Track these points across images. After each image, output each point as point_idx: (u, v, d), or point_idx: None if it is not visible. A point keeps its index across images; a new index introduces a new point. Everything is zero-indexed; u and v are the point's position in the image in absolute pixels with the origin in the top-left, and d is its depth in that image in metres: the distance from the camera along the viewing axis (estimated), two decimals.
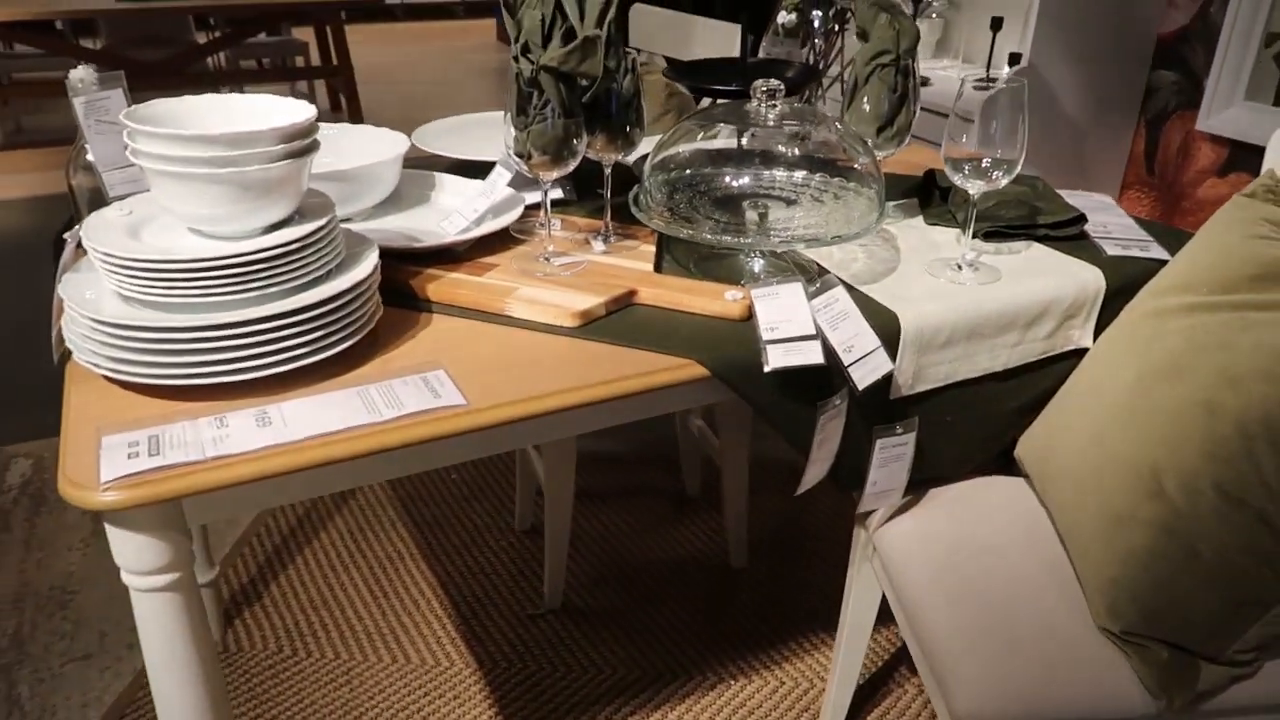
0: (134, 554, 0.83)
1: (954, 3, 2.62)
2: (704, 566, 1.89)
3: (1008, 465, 1.30)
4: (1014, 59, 2.23)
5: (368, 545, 1.93)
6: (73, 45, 5.23)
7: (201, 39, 5.19)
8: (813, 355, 1.02)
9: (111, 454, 0.81)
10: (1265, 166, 1.26)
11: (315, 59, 5.56)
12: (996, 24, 2.31)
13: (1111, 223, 1.38)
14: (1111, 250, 1.28)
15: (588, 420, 1.00)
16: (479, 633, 1.71)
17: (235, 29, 5.15)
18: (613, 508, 2.05)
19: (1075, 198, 1.46)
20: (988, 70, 2.35)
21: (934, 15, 2.60)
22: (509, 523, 2.00)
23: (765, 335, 1.03)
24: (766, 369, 1.01)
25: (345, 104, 5.27)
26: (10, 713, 1.55)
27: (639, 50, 2.58)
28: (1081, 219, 1.33)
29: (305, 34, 5.72)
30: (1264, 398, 0.96)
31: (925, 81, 2.41)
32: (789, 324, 1.04)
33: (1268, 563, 0.96)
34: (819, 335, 1.03)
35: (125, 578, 0.85)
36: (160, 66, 4.71)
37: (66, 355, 0.97)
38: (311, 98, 5.92)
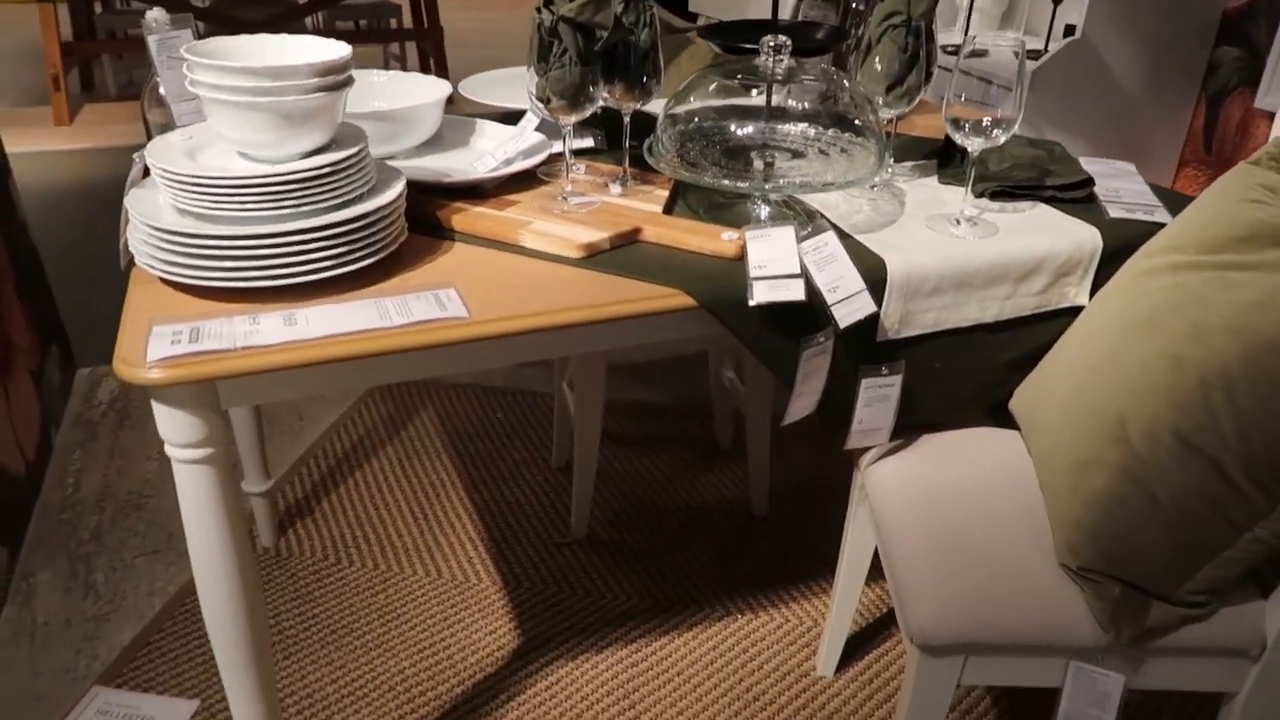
0: (175, 428, 0.96)
1: None
2: (726, 512, 1.97)
3: (1007, 422, 1.35)
4: (1068, 31, 2.23)
5: (413, 472, 2.07)
6: (183, 2, 5.51)
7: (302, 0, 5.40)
8: (795, 292, 1.09)
9: (158, 340, 0.94)
10: (1273, 134, 1.28)
11: (409, 22, 5.73)
12: None
13: (1124, 188, 1.41)
14: (1114, 213, 1.31)
15: (580, 341, 1.10)
16: (507, 555, 1.84)
17: None
18: (646, 453, 2.15)
19: (1094, 165, 1.49)
20: (1046, 43, 2.34)
21: None
22: (546, 460, 2.12)
23: (753, 272, 1.10)
24: (751, 303, 1.09)
25: (434, 66, 5.44)
26: (87, 595, 1.74)
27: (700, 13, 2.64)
28: (1089, 182, 1.36)
29: None
30: (1225, 351, 1.00)
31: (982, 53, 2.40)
32: (777, 263, 1.11)
33: (1218, 508, 1.00)
34: (804, 275, 1.11)
35: (168, 449, 0.98)
36: (263, 26, 4.94)
37: (131, 262, 1.11)
38: (403, 60, 6.11)
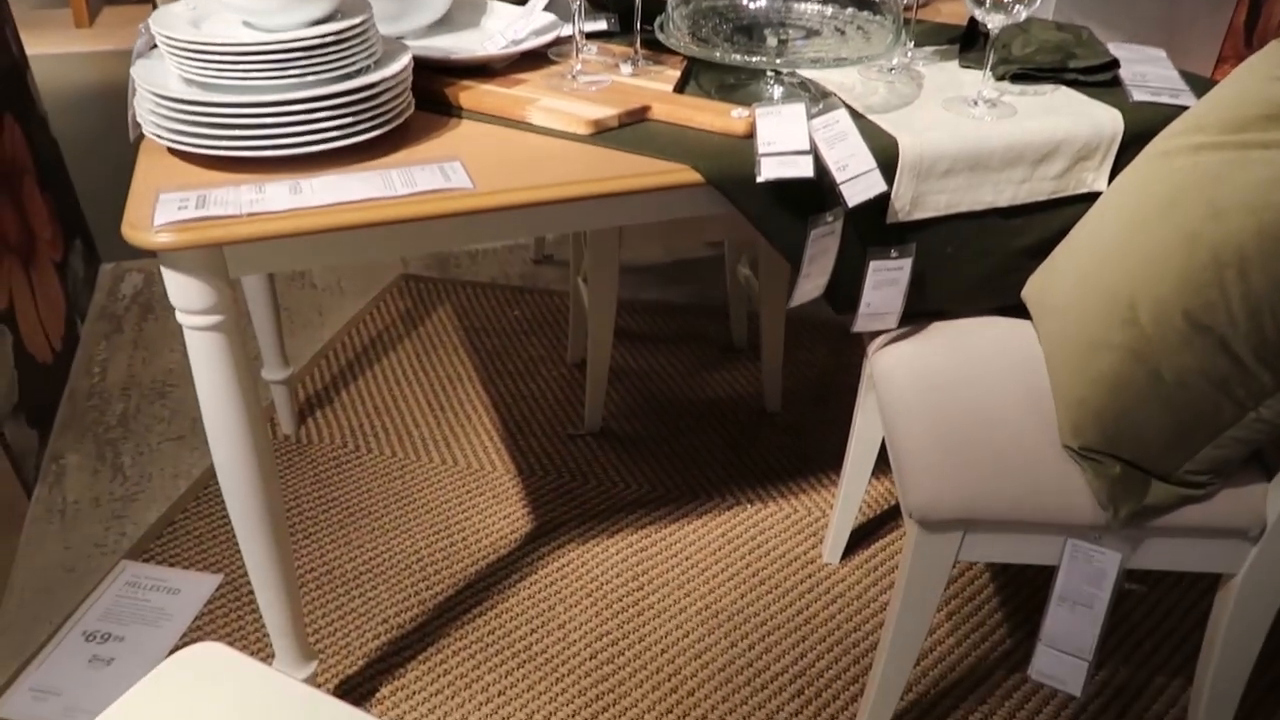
0: (184, 295, 0.98)
1: None
2: (738, 408, 1.99)
3: (1020, 315, 1.34)
4: None
5: (431, 366, 2.10)
6: None
7: None
8: (803, 169, 1.08)
9: (165, 206, 0.95)
10: None
11: None
12: None
13: (1151, 73, 1.36)
14: (1138, 96, 1.28)
15: (585, 216, 1.10)
16: (522, 446, 1.87)
17: None
18: (661, 350, 2.16)
19: (1122, 50, 1.44)
20: None
21: None
22: (561, 356, 2.14)
23: (762, 149, 1.09)
24: (759, 179, 1.08)
25: None
26: (114, 476, 1.79)
27: None
28: (1114, 64, 1.32)
29: None
30: (1241, 229, 0.98)
31: None
32: (786, 139, 1.10)
33: (1222, 386, 1.00)
34: (813, 152, 1.09)
35: (179, 316, 1.00)
36: None
37: (141, 135, 1.11)
38: None
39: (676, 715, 1.37)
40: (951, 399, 1.17)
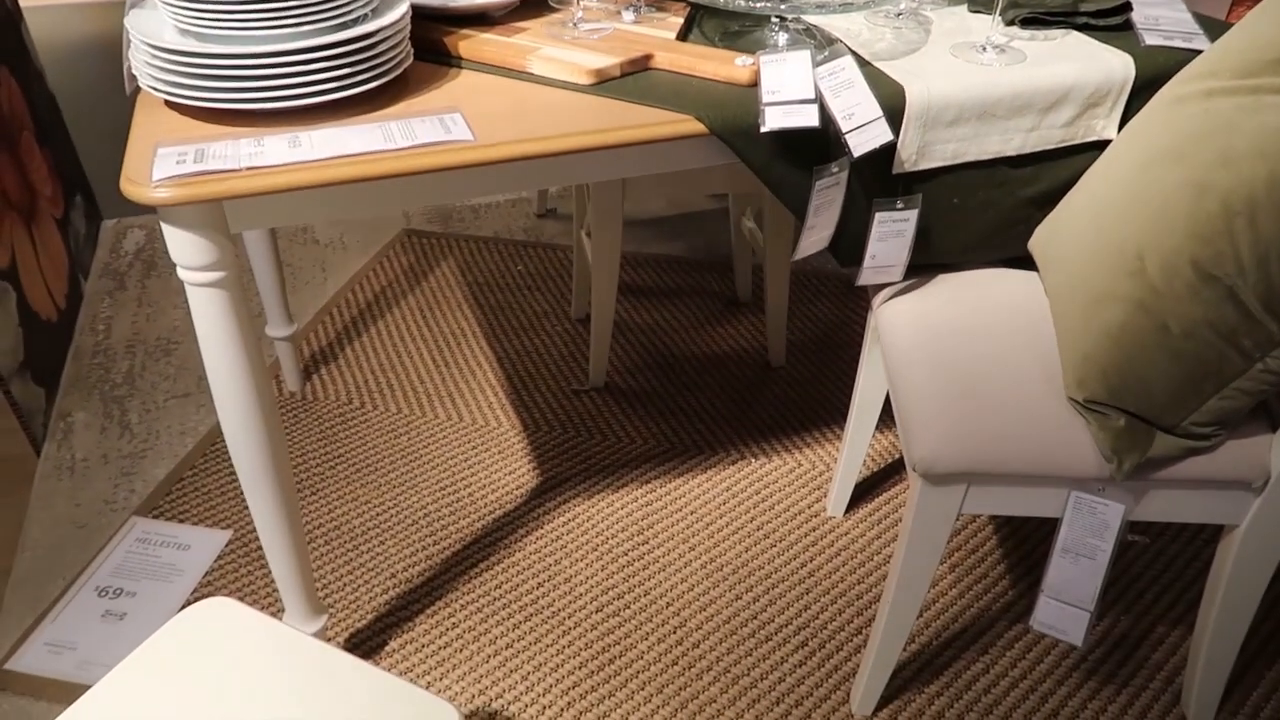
0: (185, 251, 0.97)
1: None
2: (743, 362, 1.98)
3: (1027, 267, 1.33)
4: None
5: (435, 322, 2.09)
6: None
7: None
8: (809, 118, 1.06)
9: (164, 160, 0.94)
10: None
11: None
12: None
13: (1164, 16, 1.34)
14: (1151, 40, 1.25)
15: (588, 167, 1.08)
16: (526, 402, 1.87)
17: None
18: (665, 304, 2.15)
19: None
20: None
21: None
22: (565, 311, 2.13)
23: (766, 98, 1.07)
24: (763, 129, 1.06)
25: None
26: (122, 434, 1.80)
27: None
28: (1126, 7, 1.30)
29: None
30: (1253, 176, 0.97)
31: None
32: (791, 88, 1.08)
33: (1229, 337, 0.99)
34: (818, 100, 1.07)
35: (180, 273, 0.99)
36: None
37: (137, 89, 1.10)
38: None
39: (681, 667, 1.39)
40: (956, 352, 1.17)
